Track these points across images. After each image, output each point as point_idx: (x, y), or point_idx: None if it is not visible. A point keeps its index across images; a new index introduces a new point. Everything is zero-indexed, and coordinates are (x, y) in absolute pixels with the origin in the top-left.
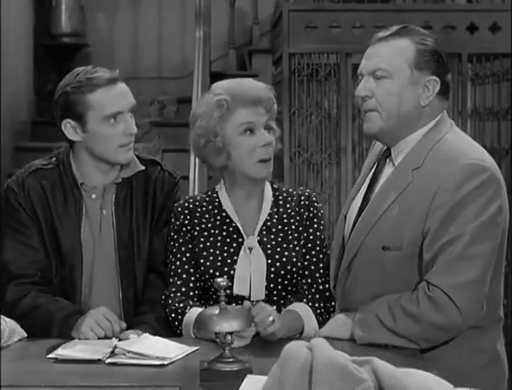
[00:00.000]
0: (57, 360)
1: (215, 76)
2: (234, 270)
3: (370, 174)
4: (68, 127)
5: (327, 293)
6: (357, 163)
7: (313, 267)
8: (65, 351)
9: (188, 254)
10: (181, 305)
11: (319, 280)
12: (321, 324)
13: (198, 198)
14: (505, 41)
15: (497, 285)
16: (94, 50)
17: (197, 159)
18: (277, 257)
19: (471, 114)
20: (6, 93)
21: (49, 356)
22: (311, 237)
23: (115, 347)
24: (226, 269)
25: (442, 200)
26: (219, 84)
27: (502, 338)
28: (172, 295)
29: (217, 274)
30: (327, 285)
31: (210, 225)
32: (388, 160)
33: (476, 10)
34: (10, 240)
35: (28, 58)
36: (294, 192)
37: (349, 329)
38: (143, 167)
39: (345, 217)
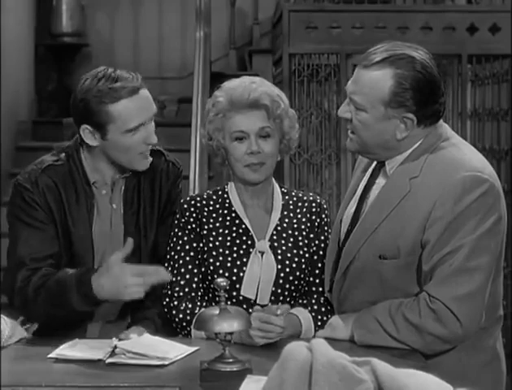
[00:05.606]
0: (57, 360)
1: (216, 76)
2: (243, 271)
3: (364, 180)
4: (87, 133)
5: None
6: None
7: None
8: (65, 351)
9: (192, 253)
10: (190, 305)
11: None
12: (322, 326)
13: (205, 197)
14: (504, 42)
15: (497, 285)
16: (95, 50)
17: (197, 159)
18: (287, 262)
19: (471, 116)
20: (7, 93)
21: (50, 356)
22: (323, 245)
23: (115, 347)
24: (235, 270)
25: (442, 212)
26: (225, 86)
27: (501, 337)
28: (176, 295)
29: (226, 274)
30: None
31: (218, 225)
32: (381, 169)
33: (476, 11)
34: (25, 235)
35: (28, 57)
36: (305, 198)
37: (349, 330)
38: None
39: (341, 221)
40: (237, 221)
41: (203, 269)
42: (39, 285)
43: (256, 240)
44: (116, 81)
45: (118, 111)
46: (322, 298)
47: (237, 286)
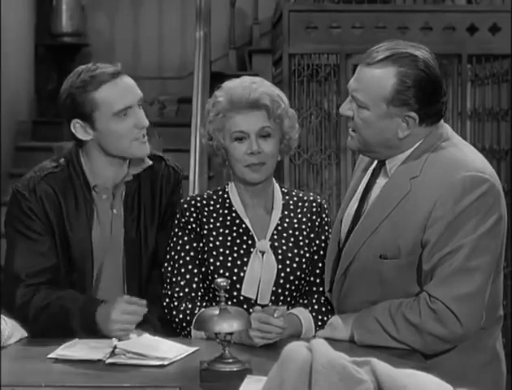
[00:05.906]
0: (57, 360)
1: (216, 76)
2: (244, 271)
3: (365, 179)
4: (77, 127)
5: None
6: None
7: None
8: (65, 351)
9: (192, 253)
10: (190, 306)
11: None
12: (322, 326)
13: (206, 197)
14: (504, 42)
15: (497, 285)
16: (95, 50)
17: (197, 159)
18: (288, 262)
19: (471, 115)
20: (7, 93)
21: (50, 356)
22: (323, 245)
23: (115, 347)
24: (236, 270)
25: (442, 212)
26: (225, 86)
27: (501, 337)
28: (176, 295)
29: (226, 274)
30: None
31: (218, 225)
32: (382, 169)
33: (476, 11)
34: (22, 248)
35: (28, 57)
36: (305, 198)
37: (349, 330)
38: (151, 162)
39: (341, 221)
40: (238, 221)
41: (203, 269)
42: (41, 307)
43: (256, 239)
44: (96, 70)
45: (101, 97)
46: (322, 298)
47: (238, 286)
